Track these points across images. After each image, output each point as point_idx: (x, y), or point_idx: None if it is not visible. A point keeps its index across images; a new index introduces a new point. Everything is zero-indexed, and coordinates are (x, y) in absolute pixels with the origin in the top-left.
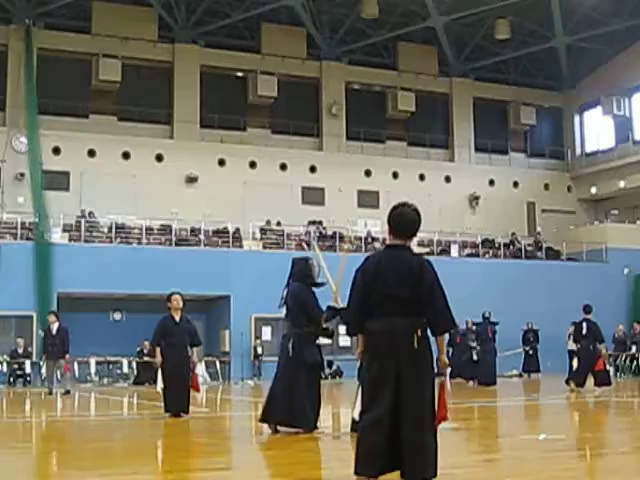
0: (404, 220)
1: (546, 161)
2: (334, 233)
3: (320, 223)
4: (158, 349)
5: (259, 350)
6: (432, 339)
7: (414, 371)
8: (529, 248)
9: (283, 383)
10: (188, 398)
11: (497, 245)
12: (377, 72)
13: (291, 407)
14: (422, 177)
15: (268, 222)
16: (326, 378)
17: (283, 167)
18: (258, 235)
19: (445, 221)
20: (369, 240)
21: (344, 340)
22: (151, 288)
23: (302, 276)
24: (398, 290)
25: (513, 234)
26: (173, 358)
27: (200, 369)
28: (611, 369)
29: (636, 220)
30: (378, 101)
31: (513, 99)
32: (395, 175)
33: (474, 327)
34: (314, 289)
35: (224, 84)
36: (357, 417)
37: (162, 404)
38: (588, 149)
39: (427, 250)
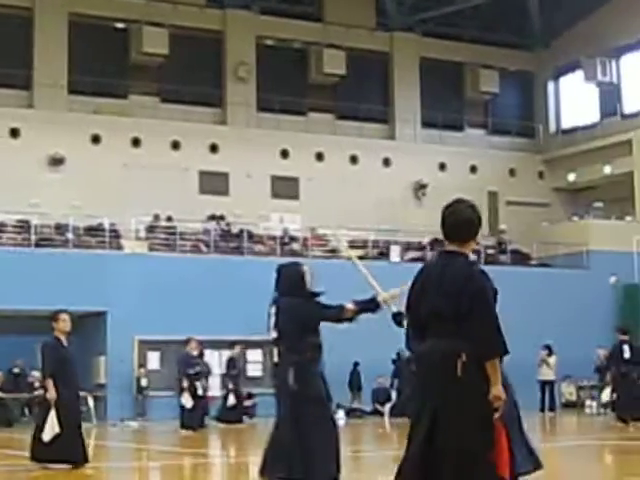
0: (458, 220)
1: (512, 140)
2: (241, 231)
3: (222, 218)
4: (51, 381)
5: (144, 382)
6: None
7: (455, 407)
8: (490, 250)
9: (289, 425)
10: (84, 443)
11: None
12: (297, 24)
13: (303, 456)
14: (354, 159)
15: (156, 217)
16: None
17: (175, 146)
18: (143, 234)
19: (383, 216)
20: (286, 240)
21: (254, 369)
22: (1, 302)
23: (294, 288)
24: (441, 306)
25: None
26: (69, 393)
27: None
28: (594, 404)
29: (625, 215)
30: (298, 61)
31: (470, 60)
32: (319, 157)
33: None
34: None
35: (100, 37)
36: None
37: (29, 451)
38: (565, 125)
39: (354, 254)
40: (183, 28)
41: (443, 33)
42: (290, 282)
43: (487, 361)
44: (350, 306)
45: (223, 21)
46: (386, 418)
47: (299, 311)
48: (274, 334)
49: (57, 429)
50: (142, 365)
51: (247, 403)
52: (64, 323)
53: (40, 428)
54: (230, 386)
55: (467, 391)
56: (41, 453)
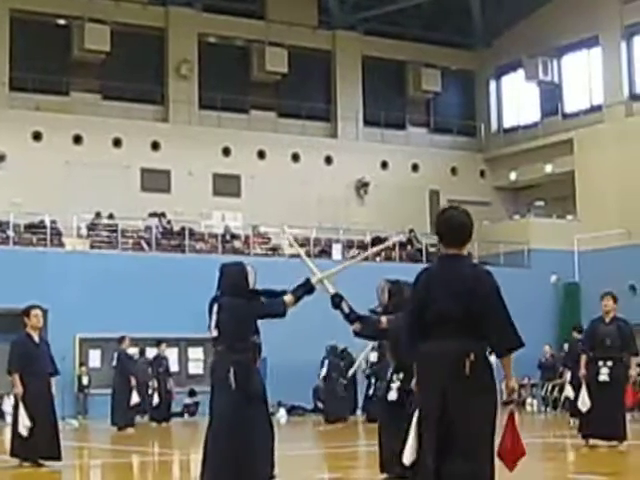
0: (453, 225)
1: (454, 139)
2: (182, 229)
3: (164, 215)
4: (17, 377)
5: (85, 380)
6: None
7: (465, 402)
8: (431, 249)
9: (226, 425)
10: (59, 440)
11: (391, 245)
12: (239, 22)
13: (241, 457)
14: (296, 157)
15: (97, 214)
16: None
17: (117, 143)
18: (84, 231)
19: (325, 214)
20: (227, 238)
21: (196, 367)
22: None
23: (237, 288)
24: (450, 308)
25: (411, 231)
26: (37, 389)
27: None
28: (534, 402)
29: (566, 214)
30: (240, 59)
31: (412, 59)
32: (261, 154)
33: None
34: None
35: (41, 34)
36: (407, 461)
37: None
38: (506, 124)
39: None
40: (125, 25)
41: (385, 32)
42: (233, 282)
43: (505, 356)
44: (289, 298)
45: (165, 18)
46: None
47: (241, 311)
48: (214, 333)
49: (27, 422)
50: (83, 363)
51: (188, 401)
52: (36, 319)
53: (15, 424)
54: (155, 385)
55: (475, 389)
56: (18, 449)
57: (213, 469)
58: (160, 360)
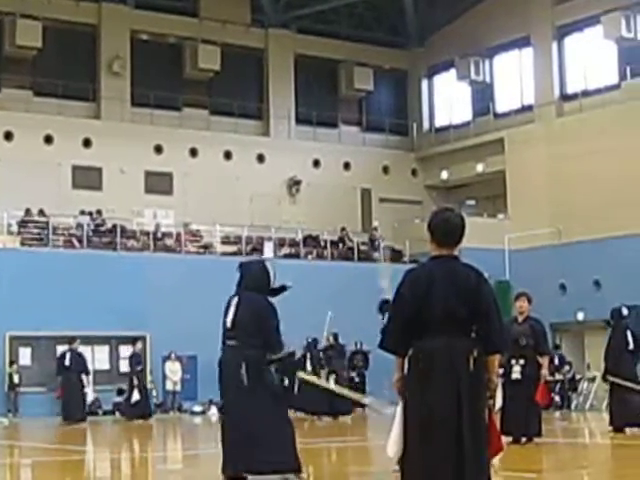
0: (450, 227)
1: (386, 137)
2: (114, 226)
3: (99, 213)
4: None
5: (15, 379)
6: None
7: (473, 397)
8: (363, 247)
9: (246, 422)
10: None
11: (323, 243)
12: (172, 19)
13: (269, 449)
14: (228, 155)
15: (28, 211)
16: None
17: (48, 140)
18: (15, 228)
19: (257, 212)
20: (159, 236)
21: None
22: None
23: (259, 284)
24: (457, 307)
25: (343, 229)
26: None
27: None
28: None
29: (497, 213)
30: (173, 57)
31: (345, 58)
32: (193, 152)
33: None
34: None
35: None
36: (392, 454)
37: None
38: (438, 123)
39: (234, 249)
40: (57, 21)
41: (318, 30)
42: (255, 279)
43: (496, 355)
44: (279, 354)
45: (98, 14)
46: None
47: (262, 310)
48: (228, 326)
49: None
50: (13, 361)
51: (117, 399)
52: None
53: None
54: (135, 382)
55: (477, 384)
56: None
57: (236, 461)
58: (138, 357)
